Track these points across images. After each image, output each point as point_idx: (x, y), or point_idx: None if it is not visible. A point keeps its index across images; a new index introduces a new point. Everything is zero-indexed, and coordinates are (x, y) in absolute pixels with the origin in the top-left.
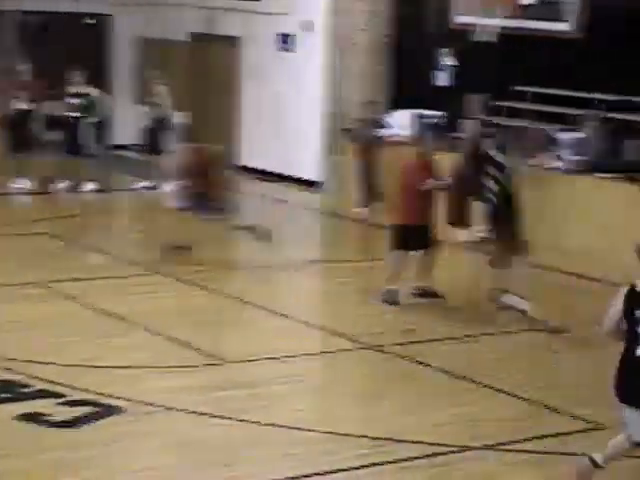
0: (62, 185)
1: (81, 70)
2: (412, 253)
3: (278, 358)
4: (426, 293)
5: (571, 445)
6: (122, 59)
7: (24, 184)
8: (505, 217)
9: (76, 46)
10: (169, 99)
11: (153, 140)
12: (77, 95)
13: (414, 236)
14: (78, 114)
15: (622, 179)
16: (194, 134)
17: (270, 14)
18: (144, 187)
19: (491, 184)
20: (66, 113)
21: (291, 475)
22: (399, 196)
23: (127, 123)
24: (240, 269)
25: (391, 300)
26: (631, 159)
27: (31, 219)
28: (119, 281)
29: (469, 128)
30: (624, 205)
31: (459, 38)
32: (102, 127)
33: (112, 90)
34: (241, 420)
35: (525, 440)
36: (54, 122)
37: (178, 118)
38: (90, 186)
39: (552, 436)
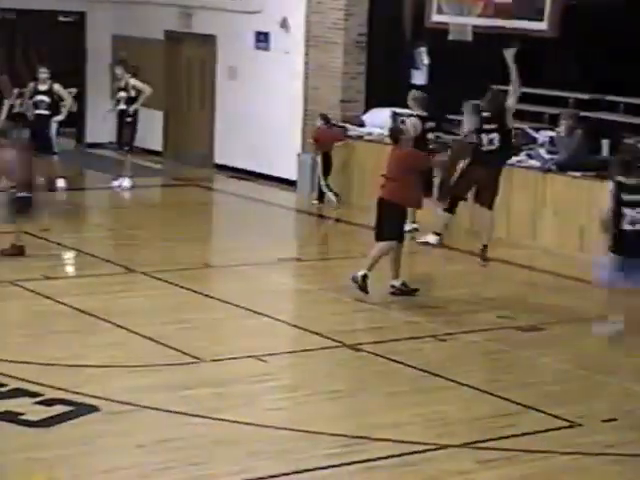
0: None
1: (48, 67)
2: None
3: (251, 357)
4: (403, 291)
5: (547, 443)
6: (97, 57)
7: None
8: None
9: (51, 44)
10: (144, 87)
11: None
12: (45, 93)
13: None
14: (46, 112)
15: (596, 177)
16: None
17: (246, 12)
18: (119, 185)
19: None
20: (36, 111)
21: (261, 474)
22: (401, 181)
23: (102, 121)
24: (213, 267)
25: (363, 285)
26: (605, 158)
27: None
28: (93, 279)
29: (410, 124)
30: (597, 203)
31: (435, 37)
32: (71, 124)
33: (87, 88)
34: (214, 419)
35: (500, 438)
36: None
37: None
38: (61, 184)
39: (528, 434)
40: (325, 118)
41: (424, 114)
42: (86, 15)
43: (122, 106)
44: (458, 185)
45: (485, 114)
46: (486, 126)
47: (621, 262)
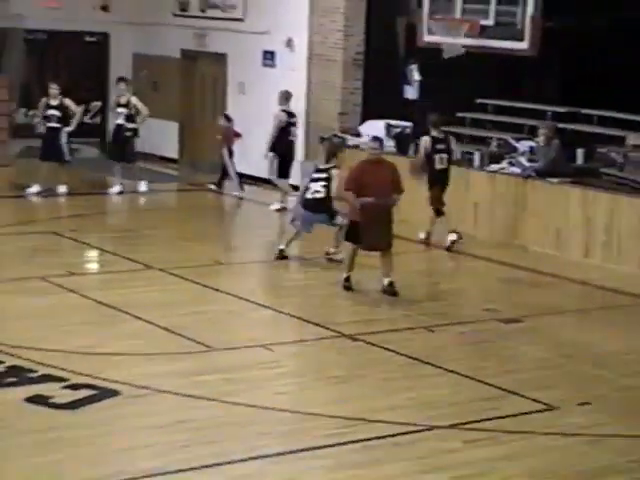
0: (63, 189)
1: (57, 83)
2: None
3: (259, 346)
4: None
5: (527, 424)
6: (120, 73)
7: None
8: None
9: (78, 61)
10: (143, 109)
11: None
12: (55, 107)
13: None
14: (57, 124)
15: (571, 183)
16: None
17: (254, 33)
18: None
19: None
20: (47, 124)
21: (269, 452)
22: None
23: None
24: (224, 265)
25: (344, 285)
26: (579, 165)
27: (31, 220)
28: (115, 275)
29: (274, 116)
30: (572, 206)
31: (426, 55)
32: (95, 135)
33: (110, 102)
34: (225, 402)
35: (485, 420)
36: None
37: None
38: (62, 189)
39: (510, 416)
40: (227, 117)
41: (289, 109)
42: (109, 36)
43: (120, 121)
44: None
45: None
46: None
47: None
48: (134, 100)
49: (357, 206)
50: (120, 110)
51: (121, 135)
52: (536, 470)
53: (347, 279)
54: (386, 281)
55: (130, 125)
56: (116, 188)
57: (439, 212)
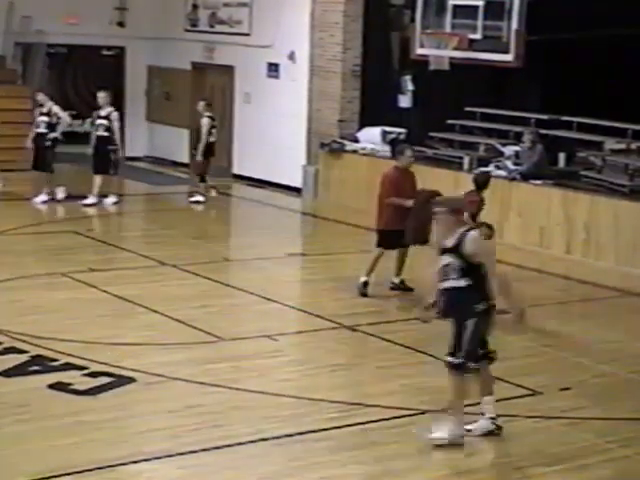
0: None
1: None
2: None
3: (264, 336)
4: (398, 287)
5: (513, 408)
6: (135, 84)
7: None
8: None
9: (96, 73)
10: (64, 119)
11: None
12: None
13: (392, 238)
14: (44, 131)
15: (553, 185)
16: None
17: (259, 46)
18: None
19: None
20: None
21: (273, 434)
22: (379, 204)
23: (139, 138)
24: (231, 261)
25: (361, 291)
26: (561, 168)
27: (52, 220)
28: (131, 271)
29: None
30: (554, 206)
31: (419, 67)
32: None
33: (126, 110)
34: (233, 388)
35: (473, 404)
36: None
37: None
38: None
39: (497, 400)
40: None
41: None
42: (125, 49)
43: (42, 130)
44: None
45: None
46: None
47: None
48: (55, 109)
49: (409, 205)
50: (42, 119)
51: (41, 144)
52: (521, 450)
53: (365, 284)
54: (399, 279)
55: (51, 134)
56: (41, 197)
57: (204, 179)
